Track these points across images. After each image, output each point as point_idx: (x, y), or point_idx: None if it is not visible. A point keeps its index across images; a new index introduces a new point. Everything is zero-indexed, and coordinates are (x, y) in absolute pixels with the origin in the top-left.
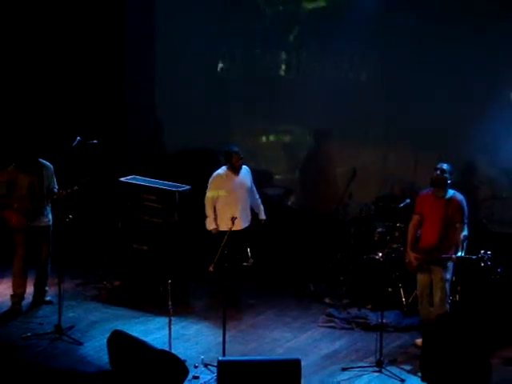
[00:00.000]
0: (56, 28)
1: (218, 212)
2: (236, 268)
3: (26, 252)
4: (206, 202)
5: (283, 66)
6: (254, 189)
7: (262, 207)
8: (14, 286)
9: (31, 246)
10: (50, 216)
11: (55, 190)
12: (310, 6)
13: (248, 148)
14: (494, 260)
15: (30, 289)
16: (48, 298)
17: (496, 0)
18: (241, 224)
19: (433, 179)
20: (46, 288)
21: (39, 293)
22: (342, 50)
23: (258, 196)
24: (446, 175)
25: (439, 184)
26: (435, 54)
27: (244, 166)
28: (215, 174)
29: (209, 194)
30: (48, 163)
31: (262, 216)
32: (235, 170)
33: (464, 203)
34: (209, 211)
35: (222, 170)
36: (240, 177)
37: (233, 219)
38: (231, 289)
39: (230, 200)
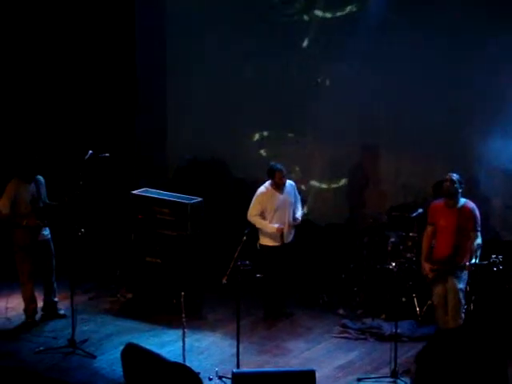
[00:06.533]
0: (69, 41)
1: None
2: (281, 280)
3: (33, 267)
4: (251, 220)
5: (294, 76)
6: (299, 203)
7: (299, 211)
8: (26, 301)
9: (37, 261)
10: (48, 230)
11: (48, 203)
12: (322, 14)
13: (259, 158)
14: (505, 264)
15: (41, 303)
16: (62, 312)
17: (496, 12)
18: (284, 239)
19: (444, 190)
20: (56, 299)
21: (50, 306)
22: (353, 59)
23: (300, 206)
24: (457, 185)
25: (450, 194)
26: (447, 66)
27: (289, 181)
28: (259, 191)
29: (252, 211)
30: (40, 176)
31: (297, 215)
32: (278, 186)
33: (476, 211)
34: (261, 222)
35: (265, 187)
36: (284, 194)
37: (279, 230)
38: (276, 301)
39: (273, 217)
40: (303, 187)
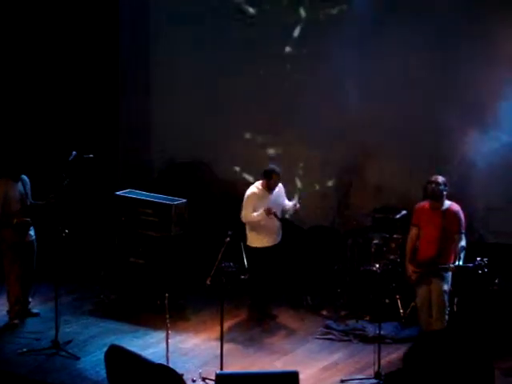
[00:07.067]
0: (53, 42)
1: (251, 229)
2: (268, 282)
3: (22, 268)
4: (246, 220)
5: (282, 77)
6: (286, 202)
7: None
8: (11, 303)
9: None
10: (34, 230)
11: (33, 202)
12: (311, 13)
13: (244, 159)
14: (490, 267)
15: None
16: (35, 311)
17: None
18: (272, 241)
19: (428, 192)
20: (30, 299)
21: (24, 305)
22: (339, 62)
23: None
24: (441, 187)
25: (435, 197)
26: (433, 67)
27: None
28: (250, 192)
29: (246, 212)
30: (25, 176)
31: (293, 202)
32: (270, 188)
33: (460, 213)
34: (253, 216)
35: (256, 187)
36: (274, 195)
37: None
38: (262, 301)
39: (264, 218)
40: (294, 187)
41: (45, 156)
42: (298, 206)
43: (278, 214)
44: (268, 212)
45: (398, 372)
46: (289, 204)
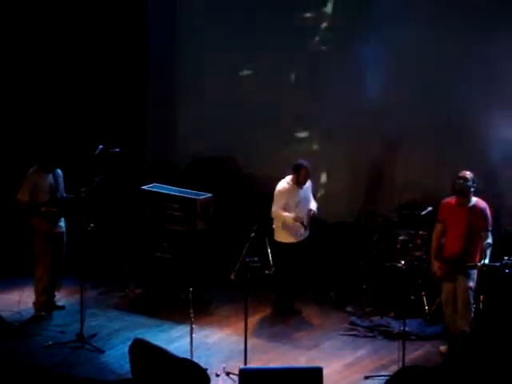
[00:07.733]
0: (84, 39)
1: (279, 224)
2: (293, 277)
3: (51, 259)
4: (276, 215)
5: (306, 73)
6: (313, 199)
7: (314, 203)
8: (37, 294)
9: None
10: (64, 222)
11: (65, 196)
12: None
13: (269, 153)
14: None
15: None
16: (61, 304)
17: None
18: (299, 237)
19: (456, 188)
20: (56, 293)
21: (50, 298)
22: (360, 56)
23: (314, 201)
24: (469, 183)
25: (463, 193)
26: (461, 57)
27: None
28: (280, 186)
29: (276, 207)
30: (59, 170)
31: (312, 207)
32: (300, 183)
33: (487, 211)
34: (282, 215)
35: (287, 182)
36: (304, 190)
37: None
38: (286, 298)
39: (294, 213)
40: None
41: (78, 151)
42: (311, 213)
43: (305, 209)
44: (297, 220)
45: (403, 370)
46: (312, 206)
